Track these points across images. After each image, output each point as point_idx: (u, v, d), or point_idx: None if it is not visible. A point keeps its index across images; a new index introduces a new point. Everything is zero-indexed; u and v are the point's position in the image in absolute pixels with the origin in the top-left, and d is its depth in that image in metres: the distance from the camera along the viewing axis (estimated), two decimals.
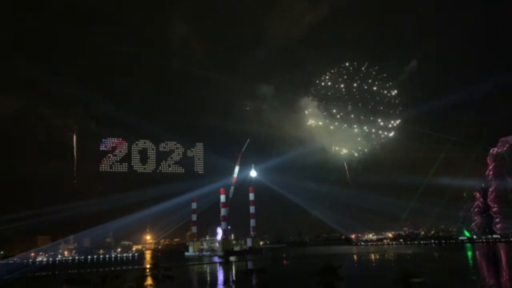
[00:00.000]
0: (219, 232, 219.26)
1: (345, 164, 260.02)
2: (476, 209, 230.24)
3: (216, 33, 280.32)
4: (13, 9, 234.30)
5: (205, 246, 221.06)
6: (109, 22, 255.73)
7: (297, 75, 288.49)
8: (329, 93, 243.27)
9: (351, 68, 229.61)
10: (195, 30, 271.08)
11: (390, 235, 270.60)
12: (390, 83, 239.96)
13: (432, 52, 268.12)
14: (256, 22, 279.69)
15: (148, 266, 75.23)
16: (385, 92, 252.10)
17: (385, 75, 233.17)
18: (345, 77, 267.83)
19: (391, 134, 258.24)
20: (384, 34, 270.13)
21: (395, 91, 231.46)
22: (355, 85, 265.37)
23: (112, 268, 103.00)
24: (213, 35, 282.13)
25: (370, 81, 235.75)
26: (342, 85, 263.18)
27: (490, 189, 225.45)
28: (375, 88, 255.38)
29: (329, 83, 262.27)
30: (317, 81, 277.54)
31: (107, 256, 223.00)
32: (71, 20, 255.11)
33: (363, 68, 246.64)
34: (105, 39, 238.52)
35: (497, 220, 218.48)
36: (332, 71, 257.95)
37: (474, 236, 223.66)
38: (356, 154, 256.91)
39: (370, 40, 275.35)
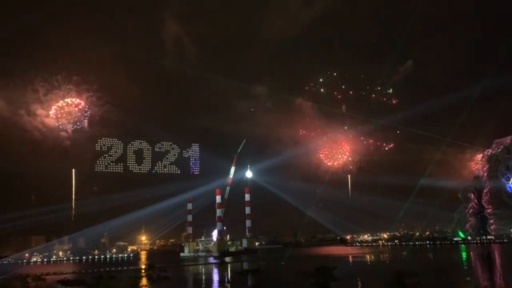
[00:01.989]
0: (215, 233, 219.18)
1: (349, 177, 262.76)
2: (470, 210, 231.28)
3: (211, 33, 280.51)
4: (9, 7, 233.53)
5: (200, 246, 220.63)
6: (102, 21, 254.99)
7: (292, 75, 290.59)
8: (323, 97, 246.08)
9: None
10: (190, 30, 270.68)
11: (385, 236, 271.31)
12: (390, 90, 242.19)
13: (427, 53, 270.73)
14: (251, 21, 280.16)
15: (143, 266, 75.14)
16: (384, 99, 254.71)
17: (385, 81, 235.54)
18: (340, 82, 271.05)
19: (391, 146, 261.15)
20: (380, 35, 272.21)
21: (395, 100, 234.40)
22: (351, 92, 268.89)
23: (107, 269, 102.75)
24: (208, 35, 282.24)
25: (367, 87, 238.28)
26: (335, 92, 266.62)
27: (485, 191, 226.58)
28: (373, 96, 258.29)
29: (322, 90, 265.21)
30: (310, 85, 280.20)
31: (102, 256, 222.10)
32: (65, 18, 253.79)
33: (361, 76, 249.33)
34: (99, 38, 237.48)
35: (491, 221, 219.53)
36: (323, 77, 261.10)
37: (469, 237, 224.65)
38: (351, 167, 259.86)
39: (366, 40, 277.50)
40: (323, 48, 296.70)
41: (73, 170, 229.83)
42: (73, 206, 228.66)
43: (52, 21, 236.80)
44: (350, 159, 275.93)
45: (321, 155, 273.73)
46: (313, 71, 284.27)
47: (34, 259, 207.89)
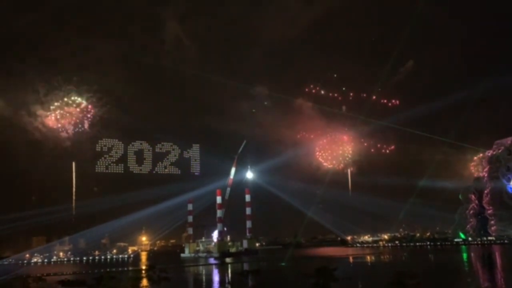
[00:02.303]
0: (215, 233, 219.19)
1: (349, 178, 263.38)
2: (471, 211, 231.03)
3: (211, 33, 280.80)
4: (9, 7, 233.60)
5: (201, 247, 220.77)
6: (103, 21, 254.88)
7: (293, 76, 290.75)
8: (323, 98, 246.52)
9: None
10: (191, 30, 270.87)
11: (385, 237, 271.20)
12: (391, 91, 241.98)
13: (427, 54, 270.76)
14: (251, 21, 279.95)
15: (143, 267, 75.13)
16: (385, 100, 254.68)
17: (385, 81, 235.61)
18: (340, 83, 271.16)
19: (391, 147, 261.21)
20: (380, 35, 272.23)
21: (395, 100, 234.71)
22: (351, 93, 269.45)
23: (108, 269, 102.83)
24: (208, 35, 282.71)
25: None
26: (336, 93, 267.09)
27: (485, 192, 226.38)
28: (374, 97, 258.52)
29: (322, 92, 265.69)
30: (310, 86, 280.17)
31: (102, 257, 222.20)
32: (64, 18, 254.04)
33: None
34: (99, 38, 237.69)
35: (492, 222, 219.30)
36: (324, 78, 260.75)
37: (469, 238, 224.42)
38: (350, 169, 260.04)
39: (367, 40, 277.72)
40: (323, 49, 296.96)
41: (74, 171, 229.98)
42: (74, 207, 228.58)
43: (52, 21, 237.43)
44: (350, 160, 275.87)
45: (320, 158, 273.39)
46: (314, 71, 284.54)
47: (35, 259, 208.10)
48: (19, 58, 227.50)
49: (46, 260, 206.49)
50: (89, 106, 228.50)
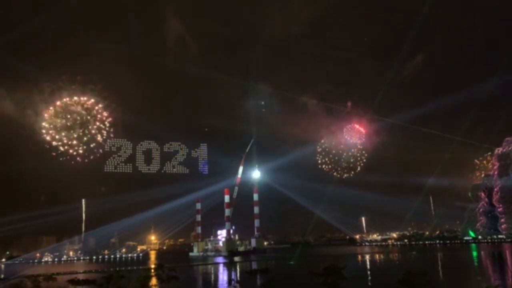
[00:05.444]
0: (223, 232, 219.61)
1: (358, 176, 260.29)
2: (481, 209, 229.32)
3: (216, 32, 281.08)
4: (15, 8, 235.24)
5: (209, 246, 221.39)
6: (109, 21, 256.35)
7: (299, 73, 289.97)
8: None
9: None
10: (197, 30, 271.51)
11: (394, 235, 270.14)
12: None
13: (436, 50, 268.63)
14: (257, 20, 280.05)
15: (152, 266, 75.50)
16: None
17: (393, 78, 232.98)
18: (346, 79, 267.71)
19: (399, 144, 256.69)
20: (389, 31, 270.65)
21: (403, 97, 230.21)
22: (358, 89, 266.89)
23: (117, 268, 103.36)
24: (213, 34, 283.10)
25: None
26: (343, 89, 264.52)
27: (495, 189, 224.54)
28: (382, 93, 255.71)
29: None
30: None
31: (112, 256, 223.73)
32: (70, 19, 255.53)
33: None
34: (106, 38, 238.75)
35: (502, 220, 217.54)
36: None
37: (479, 236, 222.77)
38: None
39: (375, 37, 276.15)
40: (329, 45, 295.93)
41: (82, 171, 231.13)
42: (83, 207, 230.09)
43: (58, 22, 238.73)
44: (358, 158, 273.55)
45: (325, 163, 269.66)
46: (319, 68, 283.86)
47: (45, 259, 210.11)
48: (24, 58, 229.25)
49: (56, 259, 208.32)
50: (96, 105, 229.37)
